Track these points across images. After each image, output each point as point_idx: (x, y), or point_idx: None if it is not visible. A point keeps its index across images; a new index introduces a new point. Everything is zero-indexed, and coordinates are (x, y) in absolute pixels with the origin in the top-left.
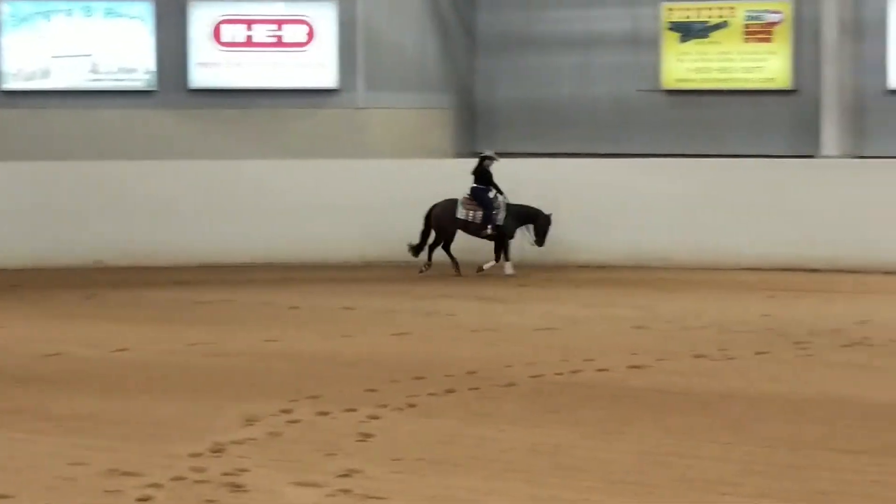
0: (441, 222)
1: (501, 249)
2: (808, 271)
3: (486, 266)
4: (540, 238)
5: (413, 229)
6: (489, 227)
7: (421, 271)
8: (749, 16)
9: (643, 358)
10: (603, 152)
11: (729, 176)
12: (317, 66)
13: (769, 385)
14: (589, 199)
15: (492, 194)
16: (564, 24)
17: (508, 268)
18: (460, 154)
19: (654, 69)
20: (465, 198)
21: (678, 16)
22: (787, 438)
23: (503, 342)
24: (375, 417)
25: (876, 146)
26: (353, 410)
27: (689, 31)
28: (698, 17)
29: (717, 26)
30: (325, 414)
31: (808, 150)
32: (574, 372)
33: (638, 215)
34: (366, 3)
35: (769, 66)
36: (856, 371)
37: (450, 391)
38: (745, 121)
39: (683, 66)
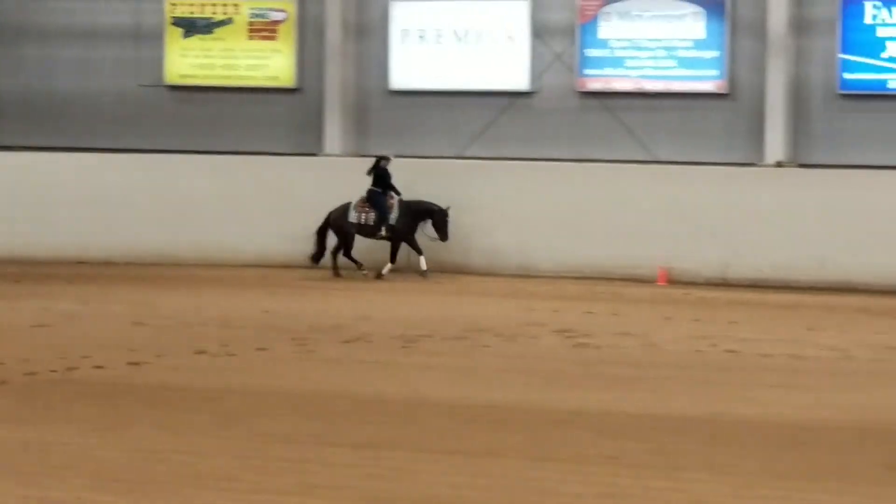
0: (337, 225)
1: (397, 250)
2: (309, 268)
3: (384, 271)
4: (441, 233)
5: None
6: (383, 228)
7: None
8: (253, 13)
9: (142, 354)
10: (104, 147)
11: (231, 173)
12: None
13: (269, 381)
14: (87, 195)
15: (389, 197)
16: (65, 16)
17: (418, 265)
18: None
19: (158, 64)
20: (358, 201)
21: (182, 11)
22: (283, 433)
23: None
24: None
25: (376, 145)
26: None
27: (193, 26)
28: (202, 13)
29: (222, 23)
30: None
31: (311, 148)
32: (70, 369)
33: (138, 211)
34: None
35: (273, 64)
36: (354, 366)
37: None
38: (248, 118)
39: (187, 61)
